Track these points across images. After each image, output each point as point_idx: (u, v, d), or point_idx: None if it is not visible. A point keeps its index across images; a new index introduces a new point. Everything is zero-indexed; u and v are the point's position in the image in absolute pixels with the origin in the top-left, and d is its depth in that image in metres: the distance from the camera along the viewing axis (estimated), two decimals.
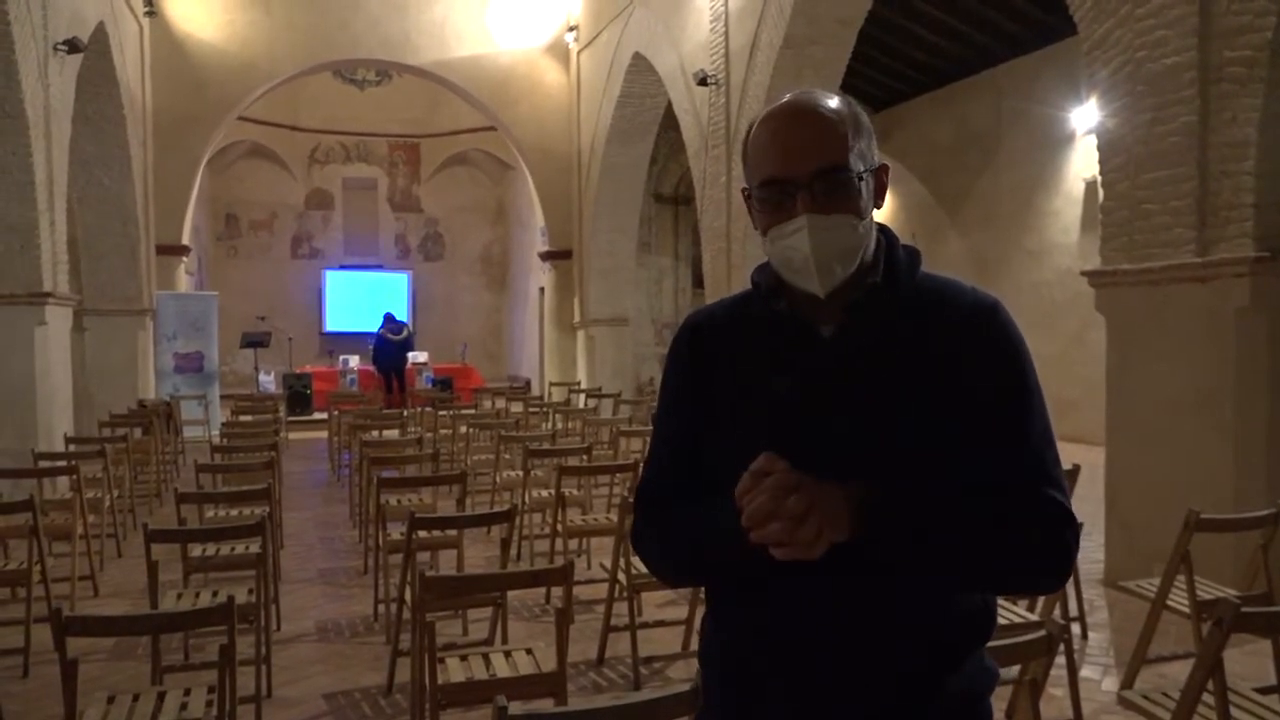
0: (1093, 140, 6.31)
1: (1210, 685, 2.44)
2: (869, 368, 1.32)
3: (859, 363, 1.32)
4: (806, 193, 1.30)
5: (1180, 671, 3.73)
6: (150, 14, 13.21)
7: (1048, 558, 1.30)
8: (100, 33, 10.59)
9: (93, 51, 10.15)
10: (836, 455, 1.27)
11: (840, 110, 1.34)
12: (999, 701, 2.65)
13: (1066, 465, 4.96)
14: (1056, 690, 3.63)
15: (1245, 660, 4.13)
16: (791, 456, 1.25)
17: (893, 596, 1.29)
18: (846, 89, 11.74)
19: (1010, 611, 3.74)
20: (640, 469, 1.55)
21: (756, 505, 1.18)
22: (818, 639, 1.31)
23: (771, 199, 1.33)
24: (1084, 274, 5.94)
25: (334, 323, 21.13)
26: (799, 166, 1.30)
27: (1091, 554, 5.86)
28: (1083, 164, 11.58)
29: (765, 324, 1.40)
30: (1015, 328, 1.36)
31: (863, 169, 1.32)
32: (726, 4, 10.35)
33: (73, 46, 9.01)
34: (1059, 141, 12.11)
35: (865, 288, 1.35)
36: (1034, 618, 3.68)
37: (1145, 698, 2.88)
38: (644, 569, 4.28)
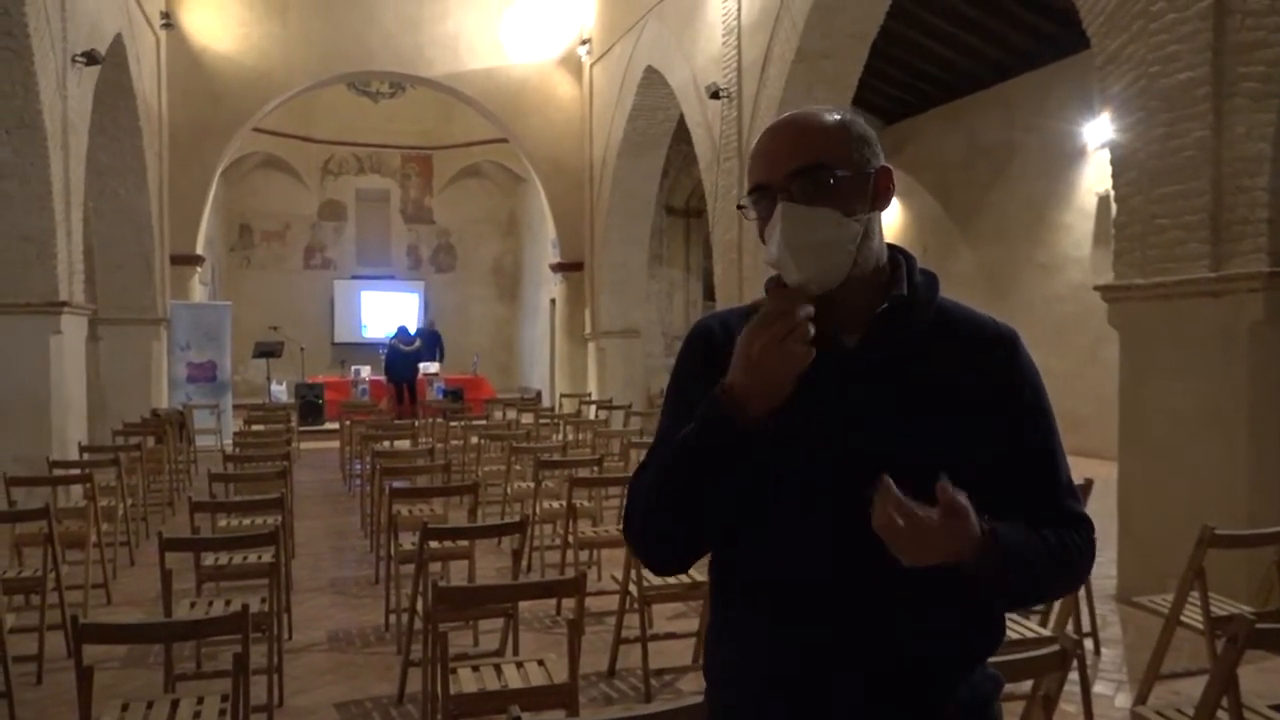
0: (1105, 154, 6.31)
1: (1224, 702, 2.43)
2: (891, 378, 1.34)
3: (882, 372, 1.34)
4: (785, 193, 1.34)
5: (1194, 688, 3.71)
6: (167, 26, 13.33)
7: (1081, 573, 1.42)
8: (118, 45, 10.68)
9: (110, 63, 10.24)
10: (853, 464, 1.28)
11: (829, 119, 1.38)
12: (1010, 717, 2.64)
13: (1078, 480, 4.95)
14: (1069, 706, 3.61)
15: (1259, 677, 4.11)
16: (809, 463, 1.29)
17: (901, 609, 1.29)
18: (858, 103, 11.76)
19: (1023, 626, 3.73)
20: None
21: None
22: (820, 649, 1.31)
23: (757, 204, 1.39)
24: (1097, 289, 5.93)
25: (345, 333, 21.21)
26: (778, 170, 1.36)
27: (1104, 569, 5.82)
28: (1095, 178, 11.56)
29: None
30: (1031, 360, 1.43)
31: (849, 170, 1.35)
32: (739, 18, 10.39)
33: (91, 58, 9.09)
34: (1071, 156, 12.10)
35: (891, 299, 1.37)
36: (1047, 632, 3.67)
37: (1159, 714, 2.87)
38: (655, 580, 4.29)
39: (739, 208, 1.46)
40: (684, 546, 1.40)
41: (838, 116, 1.39)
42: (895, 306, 1.37)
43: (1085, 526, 1.38)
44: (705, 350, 1.46)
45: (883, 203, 1.40)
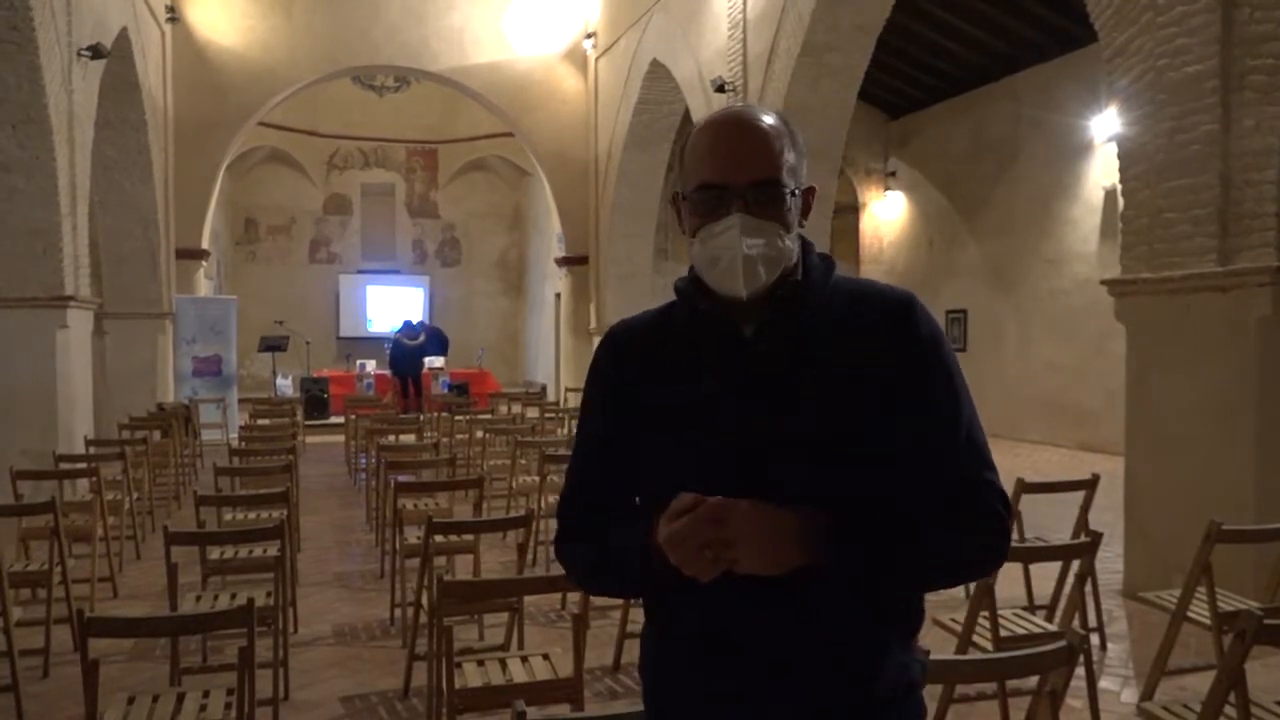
0: (1112, 148, 6.29)
1: (1232, 697, 2.43)
2: (790, 363, 1.36)
3: (781, 359, 1.36)
4: (740, 200, 1.34)
5: (1200, 683, 3.70)
6: (172, 20, 13.33)
7: (990, 552, 1.37)
8: (123, 38, 10.68)
9: (115, 57, 10.23)
10: (762, 451, 1.32)
11: (778, 127, 1.39)
12: (1017, 712, 2.64)
13: (1085, 474, 4.94)
14: (1075, 701, 3.60)
15: (1266, 673, 4.10)
16: (717, 454, 1.32)
17: (815, 596, 1.30)
18: (864, 96, 11.73)
19: (1029, 621, 3.72)
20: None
21: (675, 531, 1.23)
22: (745, 644, 1.32)
23: (706, 203, 1.38)
24: (1104, 283, 5.91)
25: (351, 328, 21.22)
26: (736, 175, 1.35)
27: (1110, 564, 5.82)
28: (1102, 172, 11.53)
29: (688, 326, 1.43)
30: (933, 319, 1.40)
31: (793, 186, 1.37)
32: (745, 11, 10.36)
33: (96, 52, 9.10)
34: (1078, 149, 12.06)
35: (786, 286, 1.39)
36: (1053, 628, 3.66)
37: (1165, 709, 2.87)
38: None
39: (680, 197, 1.44)
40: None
41: (784, 125, 1.39)
42: (789, 294, 1.38)
43: (992, 495, 1.33)
44: (613, 362, 1.49)
45: (806, 218, 1.43)
